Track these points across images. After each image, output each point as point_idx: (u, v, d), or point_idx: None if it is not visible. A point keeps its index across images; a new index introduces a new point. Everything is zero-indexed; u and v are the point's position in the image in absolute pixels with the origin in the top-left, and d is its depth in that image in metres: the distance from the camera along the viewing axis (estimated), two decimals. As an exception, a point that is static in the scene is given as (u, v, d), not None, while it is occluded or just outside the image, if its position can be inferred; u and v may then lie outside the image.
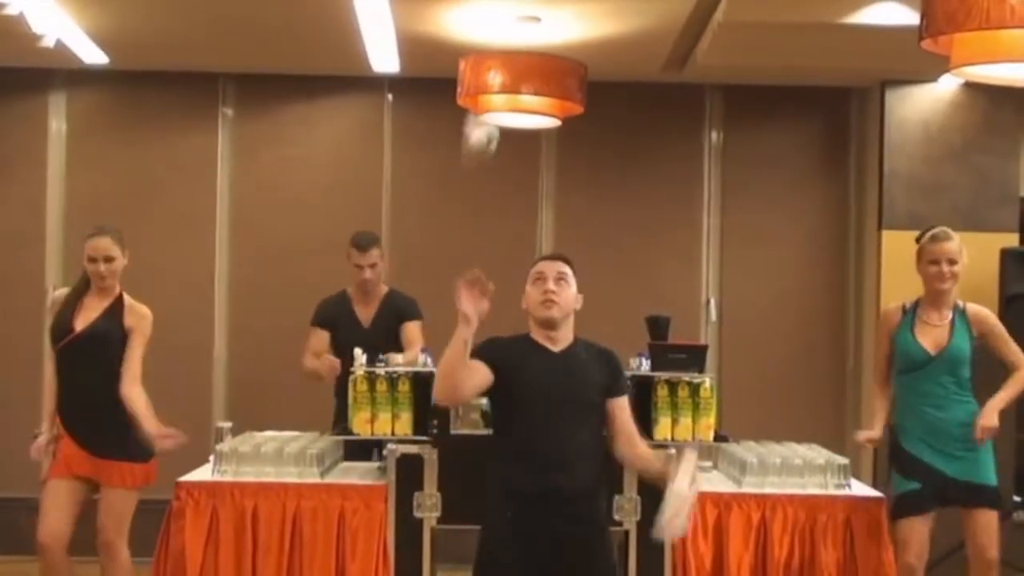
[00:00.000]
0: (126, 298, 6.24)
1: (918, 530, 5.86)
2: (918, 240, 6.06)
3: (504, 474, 4.71)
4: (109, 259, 6.16)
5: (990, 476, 5.91)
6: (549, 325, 4.81)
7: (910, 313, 6.00)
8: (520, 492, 4.67)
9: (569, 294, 4.83)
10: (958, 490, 5.87)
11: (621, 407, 4.89)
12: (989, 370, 6.10)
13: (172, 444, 6.01)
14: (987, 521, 5.89)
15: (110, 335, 6.14)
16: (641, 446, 4.94)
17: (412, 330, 7.18)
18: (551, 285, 4.80)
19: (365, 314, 7.26)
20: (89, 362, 6.11)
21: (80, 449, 6.08)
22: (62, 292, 6.36)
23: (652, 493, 5.74)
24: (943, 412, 5.88)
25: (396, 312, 7.25)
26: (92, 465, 6.08)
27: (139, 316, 6.21)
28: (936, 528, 5.99)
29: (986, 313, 6.09)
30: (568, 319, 4.85)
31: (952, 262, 5.93)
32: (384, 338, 6.98)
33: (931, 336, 5.92)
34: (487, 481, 4.77)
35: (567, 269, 4.85)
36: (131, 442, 6.08)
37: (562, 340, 4.83)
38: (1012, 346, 6.06)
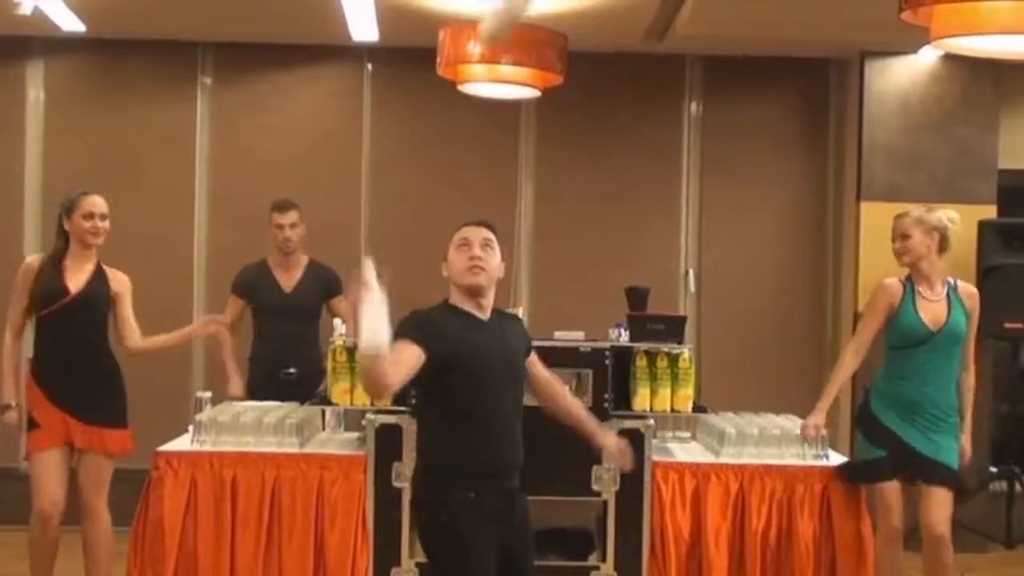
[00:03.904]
0: (103, 265, 6.27)
1: (897, 495, 5.93)
2: None
3: (456, 449, 4.57)
4: (104, 216, 6.20)
5: (954, 459, 5.95)
6: (476, 293, 4.63)
7: (909, 288, 6.01)
8: (477, 467, 4.58)
9: (495, 261, 4.67)
10: (923, 465, 5.89)
11: (535, 362, 4.86)
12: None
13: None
14: (943, 498, 5.91)
15: (102, 299, 6.21)
16: (561, 387, 4.98)
17: (345, 305, 7.29)
18: (477, 251, 4.62)
19: (287, 280, 7.43)
20: (81, 325, 6.12)
21: (64, 415, 6.07)
22: (35, 258, 6.30)
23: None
24: (927, 388, 5.88)
25: (322, 283, 7.48)
26: (77, 431, 6.08)
27: (123, 282, 6.32)
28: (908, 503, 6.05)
29: (975, 292, 6.10)
30: (493, 287, 4.69)
31: (904, 237, 5.98)
32: (305, 304, 7.25)
33: (931, 312, 5.92)
34: (431, 458, 4.63)
35: (492, 235, 4.69)
36: (115, 409, 6.14)
37: (487, 308, 4.68)
38: (972, 343, 6.08)
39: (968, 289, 6.08)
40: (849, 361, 6.10)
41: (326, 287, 7.46)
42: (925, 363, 5.89)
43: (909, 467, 5.92)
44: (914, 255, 5.96)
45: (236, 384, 7.03)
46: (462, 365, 4.53)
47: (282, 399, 6.62)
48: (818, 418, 6.04)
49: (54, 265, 6.17)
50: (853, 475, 5.97)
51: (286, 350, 7.28)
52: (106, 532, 6.18)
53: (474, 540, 4.55)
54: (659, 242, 9.06)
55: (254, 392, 7.09)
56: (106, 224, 6.20)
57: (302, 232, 7.44)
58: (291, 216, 7.41)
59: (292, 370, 7.25)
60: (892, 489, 5.92)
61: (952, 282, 6.03)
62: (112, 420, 6.15)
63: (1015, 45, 4.79)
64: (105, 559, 6.21)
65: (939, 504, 5.90)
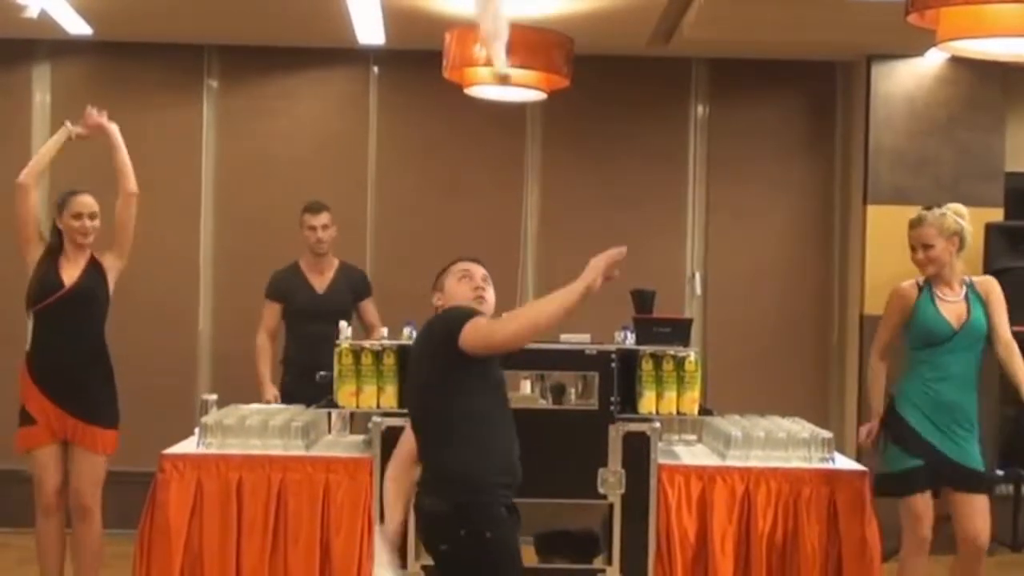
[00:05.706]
0: (95, 255, 6.30)
1: (927, 504, 5.90)
2: None
3: (492, 457, 4.60)
4: (94, 216, 6.25)
5: (981, 462, 5.92)
6: None
7: (926, 289, 5.96)
8: (509, 472, 4.64)
9: (493, 296, 4.82)
10: (955, 472, 5.86)
11: None
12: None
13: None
14: (983, 507, 5.89)
15: (96, 292, 6.24)
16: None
17: (373, 311, 7.53)
18: (480, 283, 4.78)
19: (319, 282, 7.49)
20: (75, 320, 6.16)
21: (59, 411, 6.10)
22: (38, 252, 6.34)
23: (636, 466, 5.80)
24: (954, 391, 5.84)
25: (352, 284, 7.58)
26: (71, 427, 6.12)
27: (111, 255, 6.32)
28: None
29: (992, 281, 6.06)
30: None
31: (926, 247, 5.89)
32: (338, 305, 7.29)
33: (953, 311, 5.89)
34: (469, 466, 4.59)
35: (487, 273, 4.85)
36: (105, 408, 6.16)
37: None
38: (1005, 320, 5.97)
39: (984, 282, 6.04)
40: (876, 366, 6.10)
41: (356, 288, 7.55)
42: (950, 363, 5.85)
43: (944, 475, 5.89)
44: (939, 264, 5.89)
45: (269, 392, 7.23)
46: (493, 370, 4.68)
47: (317, 402, 6.58)
48: (870, 425, 6.06)
49: (50, 260, 6.22)
50: (889, 488, 5.92)
51: (320, 352, 7.22)
52: (97, 534, 6.23)
53: (517, 549, 4.62)
54: (665, 245, 9.05)
55: (288, 395, 7.11)
56: (95, 223, 6.26)
57: (333, 233, 7.52)
58: (323, 218, 7.47)
59: (326, 372, 7.19)
60: (923, 499, 5.89)
61: (968, 280, 5.99)
62: (100, 419, 6.17)
63: (1021, 47, 4.79)
64: (95, 561, 6.24)
65: (980, 513, 5.88)
